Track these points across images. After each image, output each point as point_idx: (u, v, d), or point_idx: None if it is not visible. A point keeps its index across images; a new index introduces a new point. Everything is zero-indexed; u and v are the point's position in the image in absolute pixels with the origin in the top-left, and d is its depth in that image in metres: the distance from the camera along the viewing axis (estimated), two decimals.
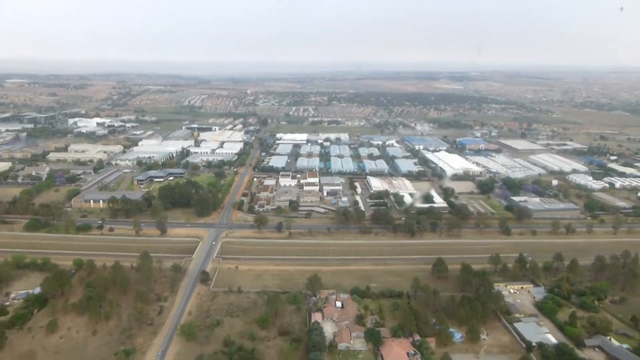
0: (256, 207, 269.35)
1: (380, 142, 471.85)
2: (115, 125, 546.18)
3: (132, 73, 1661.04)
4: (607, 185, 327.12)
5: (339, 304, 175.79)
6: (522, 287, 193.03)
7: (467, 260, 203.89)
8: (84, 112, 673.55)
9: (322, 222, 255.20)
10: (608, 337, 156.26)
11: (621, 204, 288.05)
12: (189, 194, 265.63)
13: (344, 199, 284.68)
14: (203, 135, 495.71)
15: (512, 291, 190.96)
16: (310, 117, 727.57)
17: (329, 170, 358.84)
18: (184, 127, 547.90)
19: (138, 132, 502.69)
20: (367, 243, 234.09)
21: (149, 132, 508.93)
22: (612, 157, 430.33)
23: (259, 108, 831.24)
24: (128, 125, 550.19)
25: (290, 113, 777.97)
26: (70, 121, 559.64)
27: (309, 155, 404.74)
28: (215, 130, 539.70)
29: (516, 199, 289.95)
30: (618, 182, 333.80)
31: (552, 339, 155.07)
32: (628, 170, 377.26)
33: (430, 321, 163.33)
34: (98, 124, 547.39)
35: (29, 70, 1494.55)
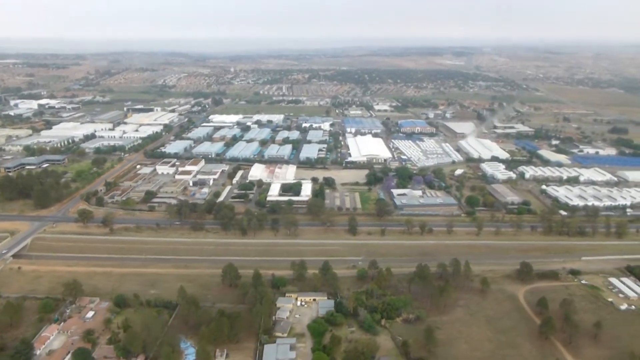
0: (106, 198, 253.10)
1: (315, 125, 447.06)
2: (56, 107, 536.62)
3: (137, 51, 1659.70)
4: (513, 175, 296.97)
5: (91, 314, 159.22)
6: (314, 300, 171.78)
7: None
8: (44, 93, 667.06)
9: (164, 217, 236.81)
10: None
11: (513, 198, 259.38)
12: (31, 184, 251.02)
13: (204, 190, 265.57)
14: (136, 116, 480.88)
15: (300, 304, 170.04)
16: (276, 96, 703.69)
17: (225, 156, 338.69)
18: (125, 108, 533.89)
19: (66, 114, 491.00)
20: (189, 241, 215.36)
21: (78, 114, 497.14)
22: (554, 142, 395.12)
23: (231, 87, 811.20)
24: (69, 106, 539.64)
25: (261, 92, 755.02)
26: (12, 103, 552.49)
27: (222, 138, 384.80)
28: (156, 110, 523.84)
29: (396, 191, 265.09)
30: (529, 172, 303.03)
31: None
32: (557, 157, 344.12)
33: (170, 338, 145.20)
34: (40, 105, 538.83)
35: (34, 50, 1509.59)
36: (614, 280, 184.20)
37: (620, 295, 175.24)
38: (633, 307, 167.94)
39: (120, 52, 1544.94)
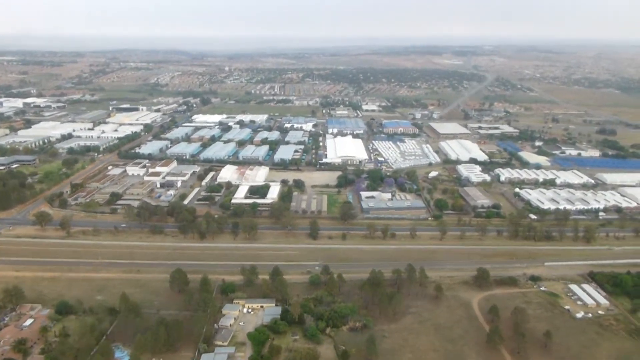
0: (69, 200, 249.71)
1: (296, 125, 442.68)
2: (41, 105, 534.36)
3: (137, 49, 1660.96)
4: (488, 178, 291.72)
5: (29, 321, 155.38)
6: (261, 306, 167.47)
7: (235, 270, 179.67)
8: (33, 91, 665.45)
9: (124, 219, 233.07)
10: None
11: (484, 201, 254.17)
12: None
13: (170, 192, 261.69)
14: (119, 116, 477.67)
15: (247, 311, 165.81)
16: (266, 96, 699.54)
17: (199, 156, 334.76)
18: (110, 108, 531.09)
19: (48, 114, 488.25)
20: (145, 245, 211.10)
21: (61, 113, 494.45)
22: (538, 143, 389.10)
23: (223, 86, 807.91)
24: (54, 105, 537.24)
25: (253, 91, 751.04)
26: None
27: (200, 139, 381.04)
28: (141, 110, 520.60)
29: (364, 194, 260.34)
30: (504, 175, 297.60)
31: None
32: (537, 159, 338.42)
33: (104, 347, 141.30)
34: (25, 104, 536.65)
35: (34, 47, 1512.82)
36: (574, 287, 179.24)
37: (579, 302, 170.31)
38: (590, 315, 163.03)
39: (119, 50, 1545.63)
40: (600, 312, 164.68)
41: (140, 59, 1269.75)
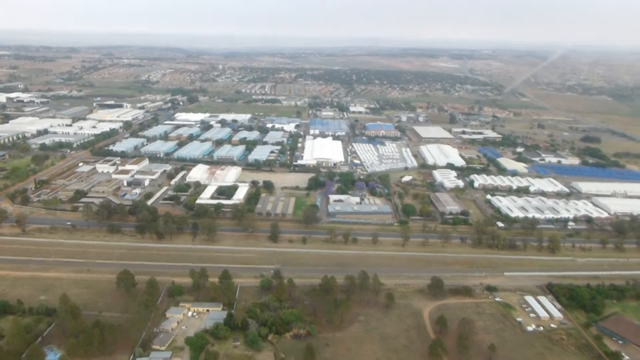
0: (32, 197, 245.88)
1: (278, 125, 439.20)
2: (25, 101, 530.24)
3: (134, 45, 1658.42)
4: (461, 184, 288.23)
5: None
6: (207, 310, 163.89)
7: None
8: (21, 86, 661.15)
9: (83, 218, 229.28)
10: None
11: (453, 207, 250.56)
12: None
13: (135, 190, 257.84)
14: (101, 112, 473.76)
15: (191, 314, 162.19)
16: (256, 95, 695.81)
17: (174, 155, 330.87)
18: (94, 104, 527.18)
19: (29, 109, 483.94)
20: (101, 244, 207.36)
21: (42, 109, 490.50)
22: (519, 150, 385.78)
23: (214, 84, 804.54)
24: (38, 100, 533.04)
25: (243, 90, 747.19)
26: None
27: (177, 137, 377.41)
28: (126, 107, 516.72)
29: (332, 197, 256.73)
30: (478, 181, 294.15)
31: None
32: (515, 165, 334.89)
33: (35, 350, 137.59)
34: (8, 99, 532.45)
35: (26, 42, 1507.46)
36: (529, 298, 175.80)
37: (532, 315, 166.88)
38: (541, 328, 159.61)
39: (116, 46, 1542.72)
40: (552, 325, 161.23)
41: (136, 55, 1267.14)
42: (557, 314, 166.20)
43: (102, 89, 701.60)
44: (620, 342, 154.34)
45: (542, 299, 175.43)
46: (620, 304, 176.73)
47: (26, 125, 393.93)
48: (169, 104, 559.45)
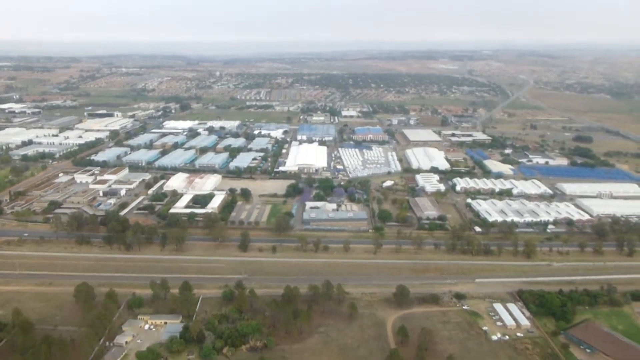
0: (5, 208, 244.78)
1: (265, 132, 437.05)
2: (17, 111, 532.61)
3: (135, 54, 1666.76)
4: (442, 188, 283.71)
5: None
6: (165, 323, 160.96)
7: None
8: (16, 96, 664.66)
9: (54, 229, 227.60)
10: None
11: (430, 212, 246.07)
12: None
13: (110, 201, 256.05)
14: (90, 122, 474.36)
15: (149, 327, 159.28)
16: (250, 101, 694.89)
17: (155, 164, 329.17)
18: (85, 113, 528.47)
19: (18, 120, 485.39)
20: (68, 256, 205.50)
21: (32, 119, 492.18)
22: (507, 151, 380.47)
23: (209, 91, 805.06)
24: (29, 111, 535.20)
25: (238, 97, 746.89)
26: None
27: (162, 146, 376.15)
28: (116, 116, 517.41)
29: (309, 204, 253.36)
30: (461, 184, 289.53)
31: None
32: (501, 167, 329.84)
33: None
34: (0, 110, 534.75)
35: (29, 52, 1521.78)
36: (498, 306, 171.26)
37: (499, 323, 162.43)
38: (506, 337, 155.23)
39: (117, 55, 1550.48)
40: (519, 334, 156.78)
41: (137, 64, 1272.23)
42: (525, 322, 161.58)
43: (98, 98, 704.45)
44: (588, 350, 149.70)
45: (511, 306, 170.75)
46: (592, 310, 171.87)
47: (12, 136, 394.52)
48: (161, 112, 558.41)
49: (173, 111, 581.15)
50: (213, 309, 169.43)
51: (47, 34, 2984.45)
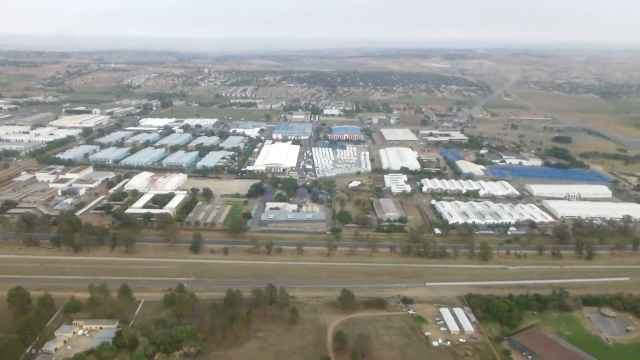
0: None
1: (239, 130, 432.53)
2: None
3: (129, 49, 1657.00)
4: (408, 189, 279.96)
5: None
6: (101, 328, 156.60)
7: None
8: None
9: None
10: None
11: (391, 214, 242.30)
12: None
13: (66, 200, 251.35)
14: (66, 118, 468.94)
15: (82, 332, 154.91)
16: (234, 99, 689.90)
17: (122, 162, 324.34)
18: (63, 110, 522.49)
19: None
20: (12, 258, 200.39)
21: (5, 115, 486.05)
22: (482, 151, 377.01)
23: (196, 88, 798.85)
24: (5, 107, 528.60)
25: (224, 94, 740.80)
26: None
27: (133, 144, 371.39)
28: (95, 113, 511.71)
29: (269, 205, 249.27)
30: (427, 185, 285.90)
31: None
32: (472, 168, 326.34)
33: None
34: None
35: (20, 47, 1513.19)
36: (444, 310, 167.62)
37: (443, 328, 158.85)
38: (448, 342, 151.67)
39: (108, 51, 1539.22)
40: (461, 339, 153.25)
41: (128, 59, 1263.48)
42: (469, 328, 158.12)
43: (82, 94, 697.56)
44: (530, 357, 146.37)
45: (458, 311, 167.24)
46: (541, 315, 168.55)
47: None
48: (141, 110, 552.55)
49: (154, 108, 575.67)
50: (153, 313, 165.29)
51: (46, 29, 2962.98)
